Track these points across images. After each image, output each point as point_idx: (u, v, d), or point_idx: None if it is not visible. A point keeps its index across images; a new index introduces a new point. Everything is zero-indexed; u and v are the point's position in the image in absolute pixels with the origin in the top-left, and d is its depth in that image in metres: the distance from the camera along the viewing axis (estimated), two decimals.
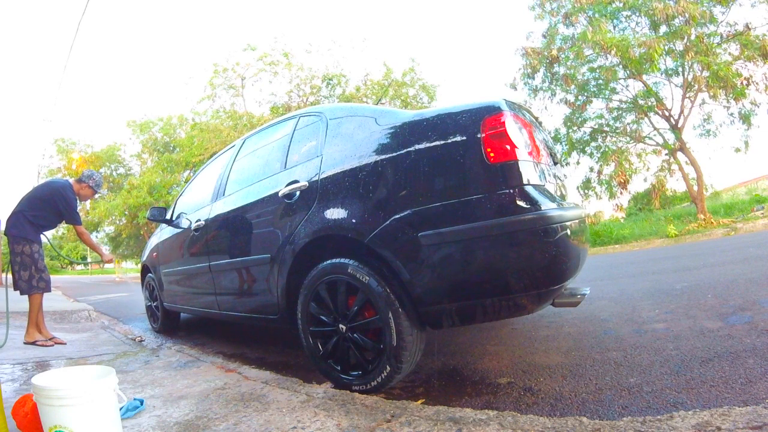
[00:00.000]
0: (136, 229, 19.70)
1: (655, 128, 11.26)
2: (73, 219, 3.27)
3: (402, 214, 1.56)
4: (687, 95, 10.45)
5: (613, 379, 1.61)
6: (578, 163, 12.15)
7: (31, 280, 3.09)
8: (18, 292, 3.09)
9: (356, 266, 1.66)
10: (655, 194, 11.53)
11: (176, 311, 3.59)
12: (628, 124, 11.59)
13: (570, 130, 12.04)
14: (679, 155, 10.72)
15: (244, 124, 14.85)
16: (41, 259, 3.13)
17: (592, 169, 11.95)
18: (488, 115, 1.50)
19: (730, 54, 9.80)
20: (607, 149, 11.58)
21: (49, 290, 3.21)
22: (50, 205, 3.19)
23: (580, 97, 11.61)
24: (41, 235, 3.25)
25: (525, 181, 1.44)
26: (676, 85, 10.69)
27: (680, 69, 10.30)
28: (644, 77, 10.65)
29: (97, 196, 3.90)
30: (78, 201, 3.38)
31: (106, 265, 3.48)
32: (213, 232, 2.65)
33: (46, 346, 3.00)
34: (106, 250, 4.42)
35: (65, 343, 3.15)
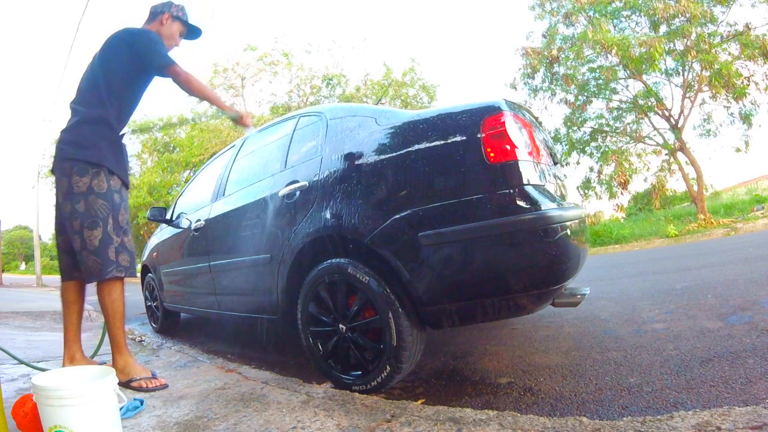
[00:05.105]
0: (136, 229, 19.66)
1: (655, 128, 11.26)
2: (160, 59, 1.80)
3: (402, 214, 1.56)
4: (687, 95, 10.45)
5: (613, 379, 1.61)
6: (578, 163, 12.17)
7: (82, 251, 1.68)
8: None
9: (356, 266, 1.66)
10: (655, 194, 11.54)
11: (176, 311, 3.59)
12: (628, 124, 11.60)
13: (570, 130, 12.04)
14: (679, 155, 10.72)
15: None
16: (106, 199, 1.67)
17: (592, 169, 11.97)
18: (488, 115, 1.50)
19: (730, 54, 9.80)
20: (607, 149, 11.58)
21: (126, 274, 1.80)
22: (109, 64, 1.78)
23: (580, 97, 11.60)
24: (112, 153, 1.75)
25: (525, 181, 1.44)
26: (676, 85, 10.70)
27: (680, 69, 10.31)
28: (644, 77, 10.65)
29: (186, 28, 2.07)
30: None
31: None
32: (213, 232, 2.65)
33: (147, 387, 1.74)
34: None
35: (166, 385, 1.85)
